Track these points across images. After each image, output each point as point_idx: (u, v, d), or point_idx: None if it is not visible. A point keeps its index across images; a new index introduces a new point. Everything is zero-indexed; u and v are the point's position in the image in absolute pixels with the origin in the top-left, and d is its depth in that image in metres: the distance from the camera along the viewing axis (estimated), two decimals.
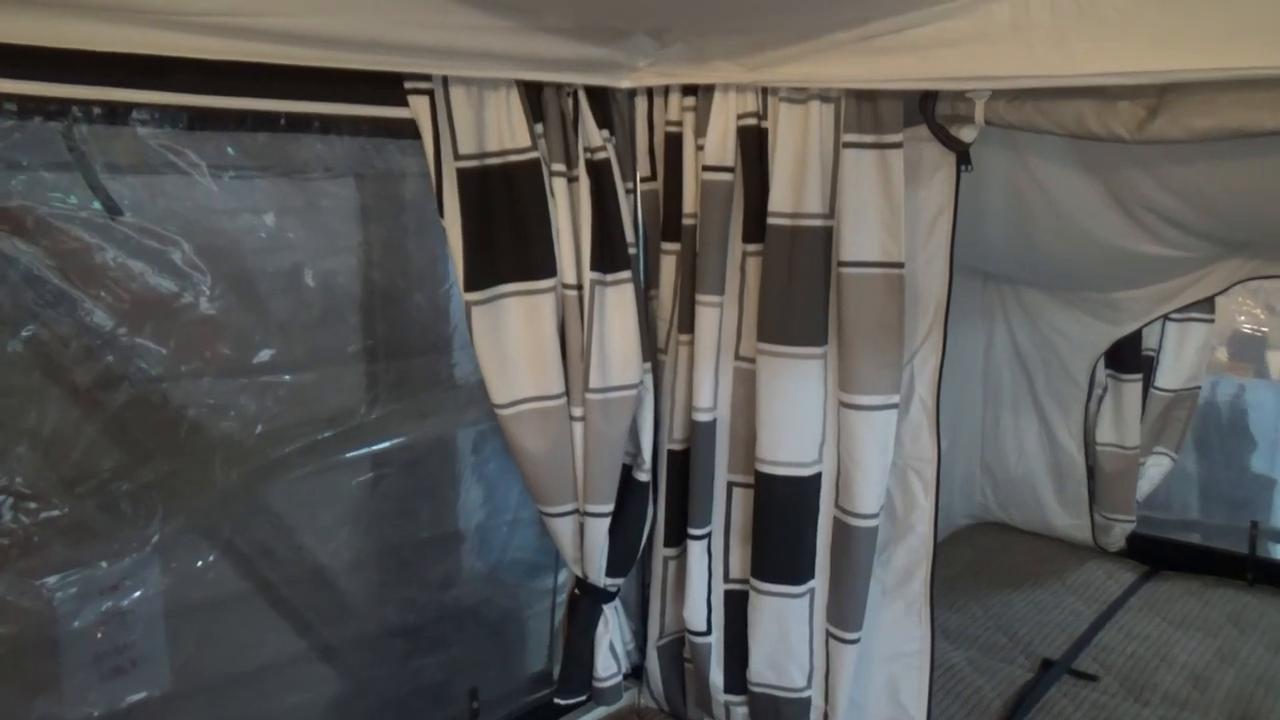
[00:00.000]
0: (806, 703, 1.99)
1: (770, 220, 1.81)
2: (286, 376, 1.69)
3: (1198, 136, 1.38)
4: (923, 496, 1.88)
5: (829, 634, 1.94)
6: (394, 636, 2.02)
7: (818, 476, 1.89)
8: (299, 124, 1.53)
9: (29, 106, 1.27)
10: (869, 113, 1.69)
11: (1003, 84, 1.50)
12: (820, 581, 1.94)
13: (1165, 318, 2.87)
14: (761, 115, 1.83)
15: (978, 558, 3.23)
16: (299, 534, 1.84)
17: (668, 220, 2.03)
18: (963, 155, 1.69)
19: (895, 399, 1.79)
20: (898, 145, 1.68)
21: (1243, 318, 3.31)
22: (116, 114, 1.34)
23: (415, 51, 1.58)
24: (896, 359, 1.77)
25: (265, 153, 1.58)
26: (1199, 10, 1.29)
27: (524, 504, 2.25)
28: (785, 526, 1.90)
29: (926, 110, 1.66)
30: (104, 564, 1.45)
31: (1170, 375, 3.03)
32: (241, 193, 1.54)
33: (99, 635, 1.50)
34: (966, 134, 1.66)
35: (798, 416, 1.85)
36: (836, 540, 1.89)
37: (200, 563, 1.63)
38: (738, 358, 1.96)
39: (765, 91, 1.82)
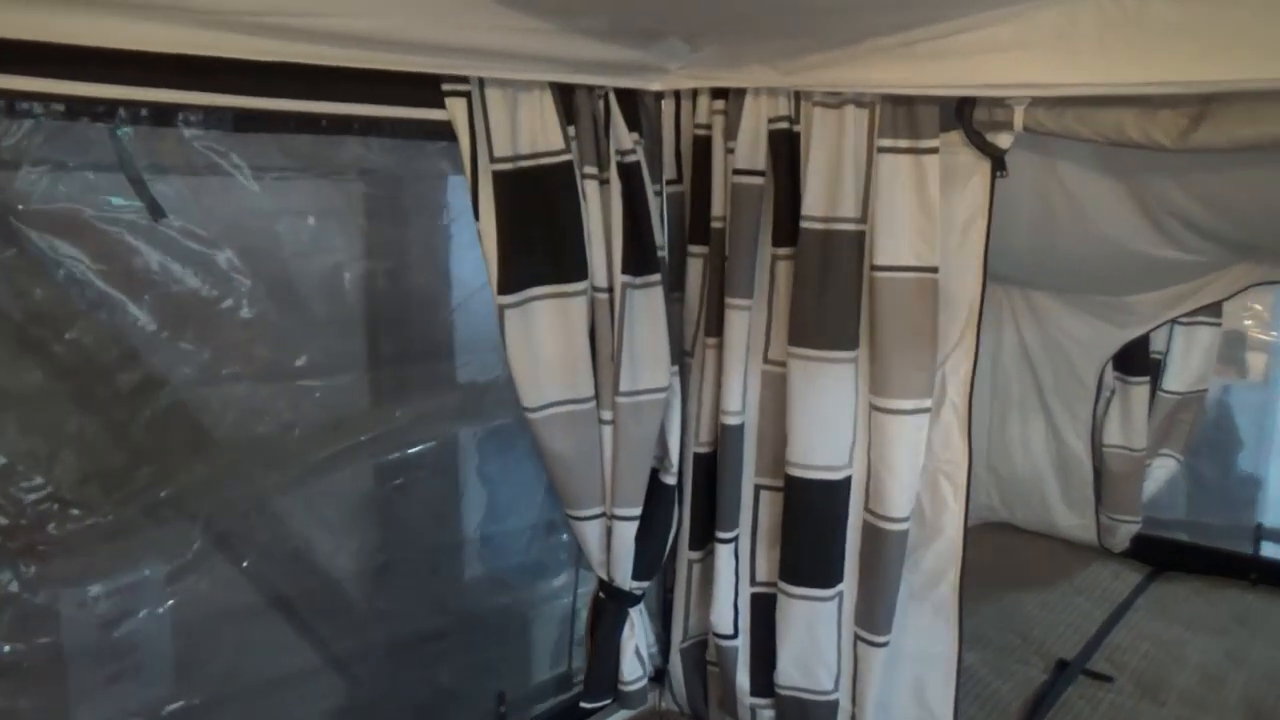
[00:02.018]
0: (834, 705, 2.00)
1: (803, 224, 1.81)
2: (319, 381, 1.67)
3: (1241, 145, 1.40)
4: (952, 500, 1.88)
5: (858, 637, 1.94)
6: (419, 641, 2.01)
7: (848, 480, 1.89)
8: (340, 126, 1.52)
9: (77, 107, 1.25)
10: (905, 118, 1.70)
11: (1045, 91, 1.51)
12: (849, 585, 1.94)
13: (1174, 321, 2.90)
14: (794, 119, 1.83)
15: (985, 559, 3.22)
16: (326, 540, 1.82)
17: (695, 223, 2.03)
18: (998, 161, 1.70)
19: (927, 403, 1.80)
20: (934, 150, 1.69)
21: (1249, 321, 3.34)
22: (163, 115, 1.33)
23: (454, 53, 1.57)
24: (929, 363, 1.78)
25: (302, 154, 1.56)
26: (1245, 22, 1.30)
27: (546, 507, 2.25)
28: (815, 530, 1.91)
29: (964, 116, 1.66)
30: (146, 571, 1.43)
31: (1177, 378, 3.06)
32: (280, 194, 1.52)
33: (135, 642, 1.48)
34: (1003, 140, 1.67)
35: (829, 420, 1.86)
36: (866, 544, 1.90)
37: (231, 569, 1.61)
38: (766, 361, 1.97)
39: (798, 95, 1.82)
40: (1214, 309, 2.90)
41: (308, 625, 1.77)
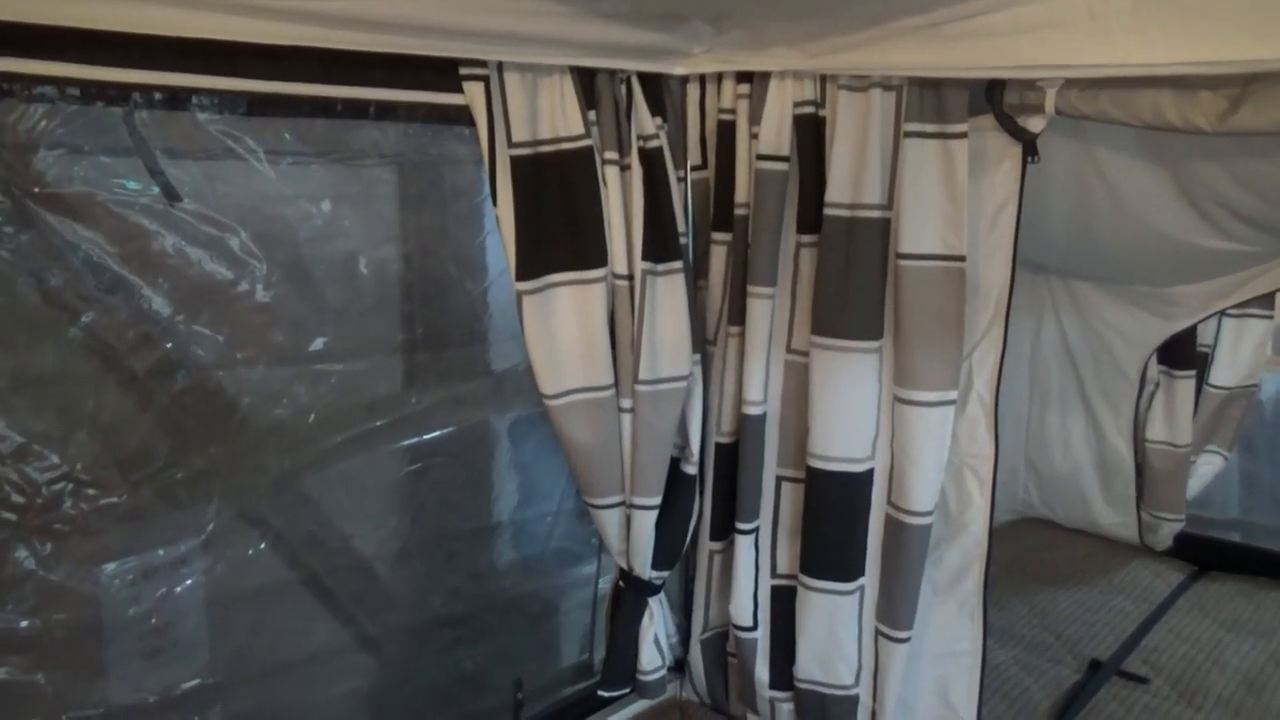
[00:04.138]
0: (854, 700, 1.97)
1: (827, 211, 1.77)
2: (338, 365, 1.67)
3: None
4: (978, 495, 1.84)
5: (878, 632, 1.91)
6: (438, 627, 2.01)
7: (870, 473, 1.85)
8: (355, 110, 1.52)
9: (91, 91, 1.26)
10: (932, 101, 1.65)
11: (1077, 73, 1.45)
12: (870, 579, 1.91)
13: (1222, 313, 2.80)
14: (819, 103, 1.79)
15: (1021, 555, 3.18)
16: (345, 524, 1.83)
17: (719, 210, 2.00)
18: (1029, 146, 1.65)
19: (953, 395, 1.75)
20: (962, 135, 1.64)
21: None
22: (177, 99, 1.34)
23: (472, 37, 1.55)
24: (955, 354, 1.73)
25: (320, 139, 1.56)
26: None
27: (567, 495, 2.24)
28: (836, 523, 1.87)
29: (994, 99, 1.61)
30: (160, 551, 1.45)
31: (1226, 372, 2.95)
32: (297, 179, 1.53)
33: (152, 622, 1.50)
34: (1035, 124, 1.61)
35: (851, 411, 1.82)
36: (888, 538, 1.86)
37: (250, 551, 1.62)
38: (789, 351, 1.93)
39: (824, 79, 1.78)
40: (1266, 300, 2.79)
41: (324, 608, 1.79)
